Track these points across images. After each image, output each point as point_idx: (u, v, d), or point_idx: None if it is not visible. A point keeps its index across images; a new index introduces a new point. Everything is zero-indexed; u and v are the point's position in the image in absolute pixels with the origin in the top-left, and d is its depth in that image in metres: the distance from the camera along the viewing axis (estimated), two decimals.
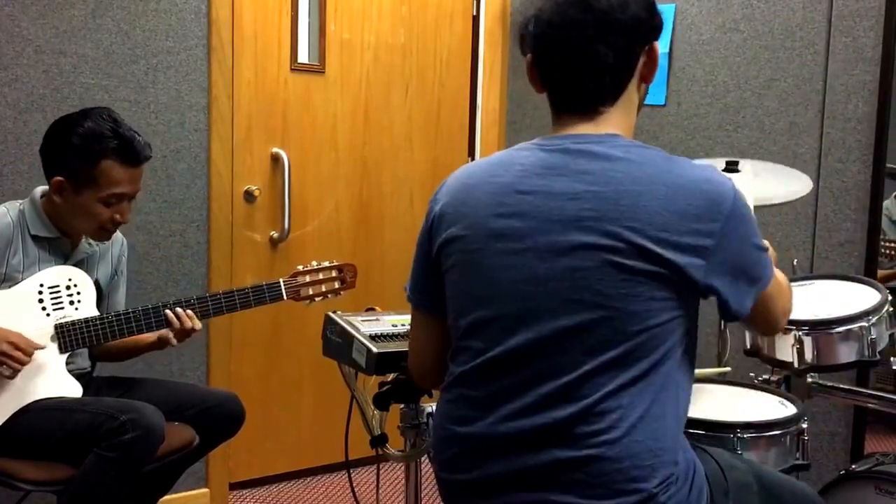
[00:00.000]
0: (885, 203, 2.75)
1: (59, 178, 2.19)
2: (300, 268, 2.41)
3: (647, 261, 1.33)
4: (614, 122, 1.46)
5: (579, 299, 1.35)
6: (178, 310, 2.25)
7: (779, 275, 1.54)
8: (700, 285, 1.36)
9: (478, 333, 1.44)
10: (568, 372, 1.36)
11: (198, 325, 2.27)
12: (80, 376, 2.29)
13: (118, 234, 2.44)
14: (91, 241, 2.33)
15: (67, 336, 2.21)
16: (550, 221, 1.38)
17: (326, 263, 2.45)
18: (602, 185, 1.37)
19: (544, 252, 1.38)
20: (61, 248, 2.27)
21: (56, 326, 2.20)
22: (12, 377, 2.10)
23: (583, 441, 1.34)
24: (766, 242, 1.46)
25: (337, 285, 2.46)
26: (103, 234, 2.28)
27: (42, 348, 2.15)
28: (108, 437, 2.04)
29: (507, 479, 1.40)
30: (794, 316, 1.90)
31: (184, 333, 2.26)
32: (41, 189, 2.28)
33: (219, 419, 2.36)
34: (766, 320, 1.55)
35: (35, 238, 2.23)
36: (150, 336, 2.32)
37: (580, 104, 1.47)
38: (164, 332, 2.26)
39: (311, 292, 2.41)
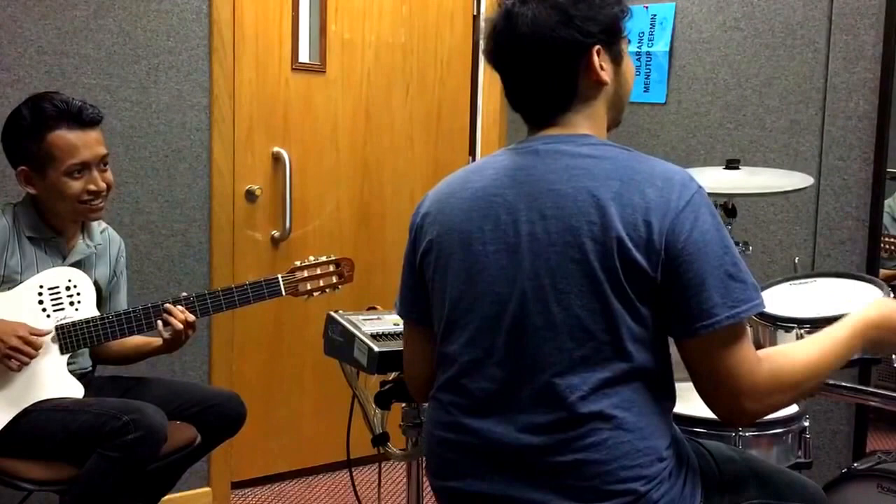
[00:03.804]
0: (888, 201, 2.75)
1: (23, 167, 2.19)
2: (298, 263, 2.41)
3: (603, 257, 1.32)
4: (582, 123, 1.47)
5: (545, 298, 1.36)
6: (168, 305, 2.24)
7: (772, 361, 1.36)
8: (654, 282, 1.32)
9: (457, 338, 1.45)
10: (541, 372, 1.36)
11: (190, 317, 2.25)
12: (81, 376, 2.30)
13: (115, 235, 2.44)
14: (89, 241, 2.33)
15: (68, 337, 2.21)
16: (518, 222, 1.40)
17: (324, 258, 2.45)
18: (563, 182, 1.38)
19: (512, 253, 1.39)
20: (57, 247, 2.27)
21: (57, 328, 2.20)
22: (18, 370, 2.11)
23: (568, 446, 1.34)
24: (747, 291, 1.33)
25: (335, 280, 2.46)
26: (86, 210, 2.23)
27: (47, 334, 2.16)
28: (111, 437, 2.04)
29: (495, 488, 1.40)
30: (795, 314, 1.90)
31: (184, 330, 2.24)
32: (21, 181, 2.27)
33: (220, 418, 2.36)
34: (718, 378, 1.33)
35: (30, 239, 2.22)
36: (155, 340, 2.32)
37: (535, 120, 1.51)
38: (167, 330, 2.24)
39: (308, 287, 2.41)
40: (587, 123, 1.48)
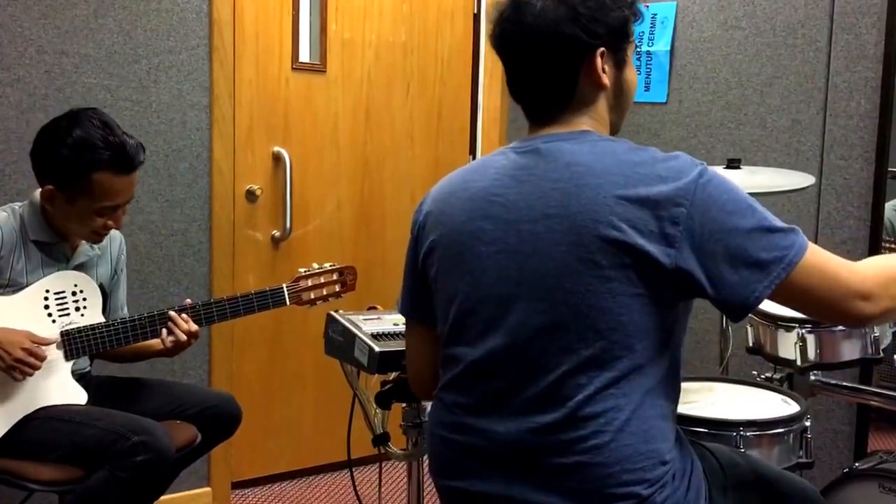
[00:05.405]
0: (891, 202, 2.74)
1: (50, 186, 2.14)
2: (302, 271, 2.40)
3: (612, 254, 1.31)
4: (583, 122, 1.46)
5: (551, 298, 1.35)
6: (172, 313, 2.24)
7: (827, 255, 1.37)
8: (672, 275, 1.31)
9: (460, 339, 1.45)
10: (547, 373, 1.35)
11: (193, 326, 2.25)
12: (81, 376, 2.29)
13: (116, 232, 2.42)
14: (92, 244, 2.32)
15: (74, 343, 2.19)
16: (520, 222, 1.38)
17: (328, 266, 2.44)
18: (566, 181, 1.36)
19: (515, 253, 1.38)
20: (62, 251, 2.26)
21: (62, 334, 2.18)
22: (22, 380, 2.10)
23: (570, 447, 1.33)
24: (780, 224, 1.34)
25: (338, 288, 2.45)
26: (95, 237, 2.25)
27: (52, 342, 2.15)
28: (119, 457, 2.03)
29: (497, 488, 1.40)
30: (796, 313, 1.90)
31: (187, 340, 2.24)
32: (39, 192, 2.27)
33: (216, 420, 2.35)
34: (817, 306, 1.36)
35: (36, 243, 2.21)
36: (156, 343, 2.30)
37: (533, 115, 1.50)
38: (169, 339, 2.24)
39: (312, 296, 2.40)
40: (588, 122, 1.46)
